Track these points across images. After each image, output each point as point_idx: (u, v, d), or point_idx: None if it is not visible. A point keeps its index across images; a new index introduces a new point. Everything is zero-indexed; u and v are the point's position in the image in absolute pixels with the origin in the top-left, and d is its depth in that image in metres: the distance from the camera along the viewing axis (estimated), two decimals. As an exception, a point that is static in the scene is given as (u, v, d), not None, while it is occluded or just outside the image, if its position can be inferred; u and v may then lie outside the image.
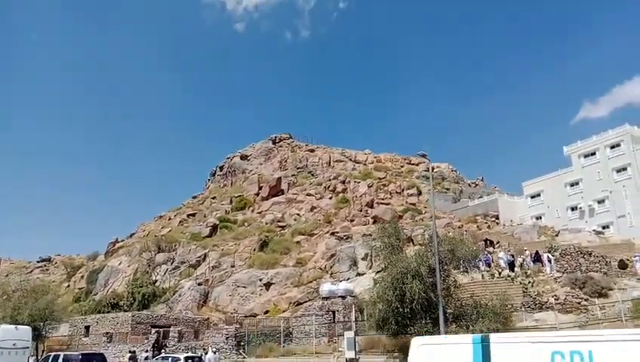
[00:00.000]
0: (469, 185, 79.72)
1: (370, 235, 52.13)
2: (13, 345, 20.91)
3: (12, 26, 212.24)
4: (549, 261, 30.11)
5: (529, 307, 25.12)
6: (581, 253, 30.59)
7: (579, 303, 24.35)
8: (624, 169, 54.80)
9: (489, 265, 31.97)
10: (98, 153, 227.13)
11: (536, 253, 33.31)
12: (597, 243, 42.17)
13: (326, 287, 35.34)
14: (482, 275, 28.16)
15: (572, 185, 59.24)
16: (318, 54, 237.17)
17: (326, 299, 34.76)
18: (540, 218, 60.65)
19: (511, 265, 31.94)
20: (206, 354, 26.53)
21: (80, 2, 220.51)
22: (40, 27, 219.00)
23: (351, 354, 23.33)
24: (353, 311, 32.98)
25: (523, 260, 31.58)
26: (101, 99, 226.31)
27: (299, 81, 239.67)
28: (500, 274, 29.53)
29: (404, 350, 16.76)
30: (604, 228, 52.70)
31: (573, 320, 22.45)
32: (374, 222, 62.52)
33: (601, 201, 55.72)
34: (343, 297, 34.07)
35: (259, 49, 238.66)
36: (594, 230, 49.22)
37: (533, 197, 63.26)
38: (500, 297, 20.39)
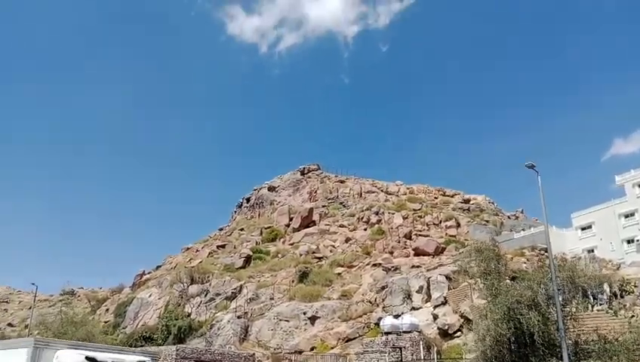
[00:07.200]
0: (509, 217, 76.74)
1: (419, 266, 49.52)
2: None
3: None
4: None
5: (639, 344, 22.24)
6: (678, 286, 27.78)
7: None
8: (685, 199, 51.92)
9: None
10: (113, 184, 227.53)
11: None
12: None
13: (388, 321, 32.64)
14: (577, 308, 25.34)
15: (627, 216, 56.30)
16: (350, 92, 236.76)
17: (387, 334, 32.07)
18: (592, 251, 57.43)
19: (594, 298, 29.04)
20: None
21: (117, 44, 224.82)
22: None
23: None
24: (421, 348, 30.28)
25: (612, 293, 28.70)
26: (143, 133, 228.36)
27: (328, 114, 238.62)
28: (592, 307, 26.68)
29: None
30: (666, 261, 49.36)
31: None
32: (416, 254, 59.98)
33: (660, 233, 52.67)
34: (408, 332, 31.37)
35: (290, 88, 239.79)
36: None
37: (583, 229, 60.24)
38: (635, 331, 17.68)
